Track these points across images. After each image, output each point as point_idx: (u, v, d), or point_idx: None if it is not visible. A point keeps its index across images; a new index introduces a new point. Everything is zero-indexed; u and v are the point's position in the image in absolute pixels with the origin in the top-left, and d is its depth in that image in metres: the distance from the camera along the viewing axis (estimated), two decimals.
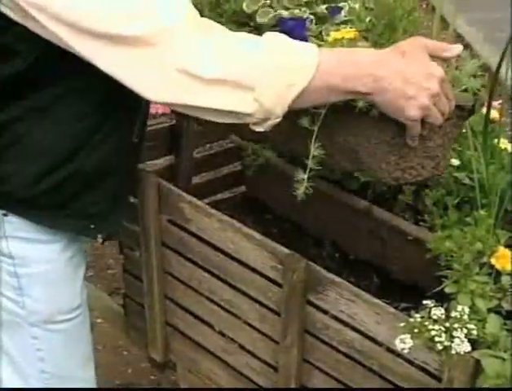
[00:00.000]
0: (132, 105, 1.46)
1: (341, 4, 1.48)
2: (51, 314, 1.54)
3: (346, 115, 1.29)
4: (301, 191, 1.30)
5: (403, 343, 1.25)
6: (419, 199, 1.54)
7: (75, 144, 1.42)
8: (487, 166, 1.47)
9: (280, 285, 1.56)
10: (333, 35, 1.34)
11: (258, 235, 1.59)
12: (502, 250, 1.33)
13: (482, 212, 1.42)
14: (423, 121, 1.24)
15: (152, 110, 1.89)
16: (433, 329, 1.23)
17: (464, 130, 1.59)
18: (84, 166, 1.43)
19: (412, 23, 1.42)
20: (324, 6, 1.48)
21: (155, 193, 1.76)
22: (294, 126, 1.33)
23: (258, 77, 1.21)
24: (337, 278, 1.46)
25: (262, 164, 1.98)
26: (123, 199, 1.63)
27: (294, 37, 1.28)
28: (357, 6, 1.47)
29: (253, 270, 1.62)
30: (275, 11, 1.48)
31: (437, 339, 1.22)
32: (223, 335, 1.79)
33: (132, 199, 1.81)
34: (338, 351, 1.51)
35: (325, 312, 1.50)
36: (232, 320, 1.73)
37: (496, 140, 1.57)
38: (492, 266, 1.33)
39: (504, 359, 1.22)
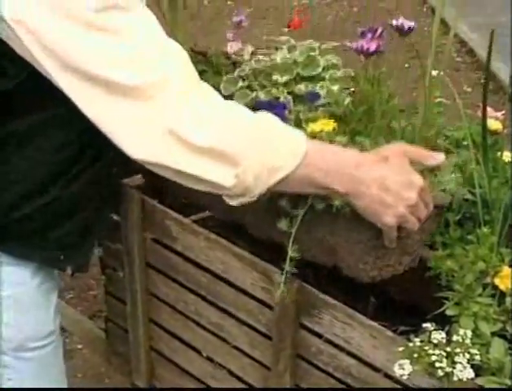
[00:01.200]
0: None
1: (319, 85, 1.56)
2: (23, 341, 1.53)
3: (323, 213, 1.35)
4: (278, 294, 1.42)
5: (402, 369, 1.24)
6: None
7: (54, 173, 1.43)
8: (489, 180, 1.47)
9: (271, 307, 1.56)
10: (312, 127, 1.40)
11: (248, 254, 1.59)
12: (506, 270, 1.33)
13: (485, 229, 1.42)
14: (400, 226, 1.30)
15: None
16: (433, 354, 1.23)
17: (465, 142, 1.60)
18: (61, 196, 1.44)
19: (390, 109, 1.51)
20: (302, 86, 1.56)
21: (139, 210, 1.76)
22: (272, 216, 1.40)
23: (245, 154, 1.25)
24: (332, 300, 1.46)
25: None
26: (96, 230, 1.64)
27: None
28: (336, 88, 1.54)
29: (243, 291, 1.62)
30: (253, 92, 1.54)
31: (438, 364, 1.22)
32: (211, 360, 1.78)
33: (115, 217, 1.81)
34: (333, 377, 1.50)
35: (319, 336, 1.50)
36: (221, 345, 1.73)
37: (498, 153, 1.58)
38: (495, 287, 1.33)
39: (509, 386, 1.22)
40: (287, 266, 1.39)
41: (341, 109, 1.50)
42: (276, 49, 1.70)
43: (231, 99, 1.50)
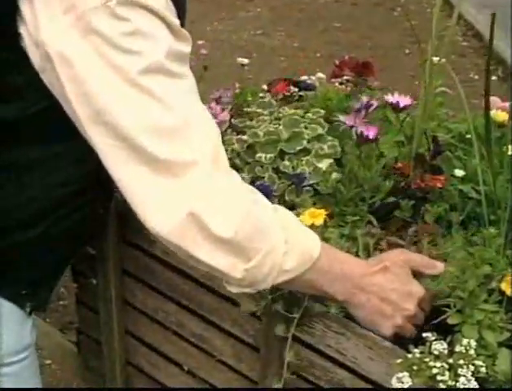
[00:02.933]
0: None
1: (305, 160, 1.64)
2: None
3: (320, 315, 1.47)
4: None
5: (401, 382, 1.26)
6: (418, 215, 1.56)
7: (49, 208, 1.45)
8: (494, 177, 1.48)
9: (258, 317, 1.57)
10: (301, 219, 1.47)
11: None
12: None
13: (490, 229, 1.44)
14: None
15: None
16: (434, 366, 1.24)
17: (468, 136, 1.62)
18: (48, 232, 1.46)
19: (379, 192, 1.59)
20: (287, 162, 1.64)
21: (113, 211, 1.76)
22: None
23: (260, 251, 1.32)
24: (325, 308, 1.47)
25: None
26: (65, 268, 1.67)
27: None
28: (324, 166, 1.62)
29: (228, 299, 1.63)
30: (237, 171, 1.58)
31: (439, 377, 1.23)
32: (194, 375, 1.79)
33: None
34: None
35: (311, 347, 1.51)
36: (204, 358, 1.74)
37: (504, 147, 1.59)
38: (502, 293, 1.34)
39: None
40: (284, 373, 1.49)
41: (328, 188, 1.60)
42: (251, 119, 1.76)
43: None
